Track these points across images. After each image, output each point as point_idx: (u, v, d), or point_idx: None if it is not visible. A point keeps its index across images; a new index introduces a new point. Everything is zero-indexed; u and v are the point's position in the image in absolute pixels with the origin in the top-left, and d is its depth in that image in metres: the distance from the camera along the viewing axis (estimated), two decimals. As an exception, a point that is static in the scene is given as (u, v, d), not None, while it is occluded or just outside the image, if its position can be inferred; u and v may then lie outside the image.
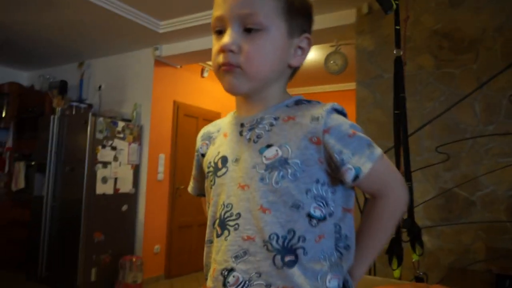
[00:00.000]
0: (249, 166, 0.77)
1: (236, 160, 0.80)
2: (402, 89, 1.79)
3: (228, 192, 0.79)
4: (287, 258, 0.71)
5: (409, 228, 1.79)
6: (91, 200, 4.00)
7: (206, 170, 0.87)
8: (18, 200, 4.83)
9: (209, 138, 0.92)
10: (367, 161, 0.73)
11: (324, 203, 0.74)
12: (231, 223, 0.77)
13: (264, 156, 0.76)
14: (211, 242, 0.82)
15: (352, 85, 3.41)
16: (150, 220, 4.52)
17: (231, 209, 0.77)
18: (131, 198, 4.42)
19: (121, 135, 4.30)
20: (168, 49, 4.51)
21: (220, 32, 0.79)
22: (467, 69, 2.81)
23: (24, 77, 5.92)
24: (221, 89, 0.85)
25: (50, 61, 5.33)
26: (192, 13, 3.81)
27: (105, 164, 4.12)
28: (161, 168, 4.66)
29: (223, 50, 0.77)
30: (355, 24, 3.34)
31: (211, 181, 0.84)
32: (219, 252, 0.77)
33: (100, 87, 4.96)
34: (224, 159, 0.82)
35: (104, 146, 4.11)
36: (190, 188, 1.02)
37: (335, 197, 0.76)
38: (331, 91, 6.32)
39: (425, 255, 2.74)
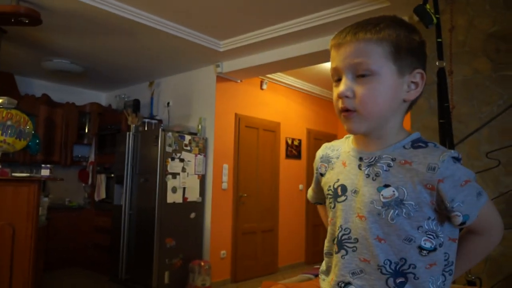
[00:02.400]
0: (368, 200, 0.87)
1: (355, 192, 0.90)
2: (445, 98, 1.85)
3: (346, 218, 0.91)
4: (398, 280, 0.84)
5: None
6: (163, 208, 4.36)
7: (325, 191, 0.99)
8: (101, 209, 5.34)
9: (328, 162, 1.01)
10: (475, 209, 0.84)
11: (435, 235, 0.85)
12: (349, 245, 0.89)
13: (382, 195, 0.85)
14: (331, 254, 0.95)
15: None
16: (216, 227, 4.79)
17: (349, 233, 0.90)
18: (198, 206, 4.73)
19: (188, 148, 4.64)
20: (228, 66, 4.80)
21: (338, 80, 0.89)
22: (527, 71, 2.74)
23: (103, 97, 6.55)
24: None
25: (124, 82, 5.88)
26: (248, 32, 4.06)
27: (174, 175, 4.47)
28: (225, 178, 4.93)
29: (340, 96, 0.87)
30: (408, 31, 3.37)
31: (331, 203, 0.96)
32: (336, 267, 0.92)
33: (168, 103, 5.37)
34: (344, 188, 0.93)
35: (173, 158, 4.47)
36: (309, 196, 1.16)
37: (443, 228, 0.87)
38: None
39: (487, 261, 2.70)
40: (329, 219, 0.97)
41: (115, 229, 4.76)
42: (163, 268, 4.33)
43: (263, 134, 5.45)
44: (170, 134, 4.46)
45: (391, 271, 0.84)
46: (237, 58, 4.67)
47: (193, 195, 4.67)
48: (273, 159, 5.60)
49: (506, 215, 2.67)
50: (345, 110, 0.87)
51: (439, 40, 1.88)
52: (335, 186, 0.95)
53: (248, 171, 5.20)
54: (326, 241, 0.98)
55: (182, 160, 4.56)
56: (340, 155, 0.99)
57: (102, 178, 5.36)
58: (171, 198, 4.44)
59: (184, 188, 4.57)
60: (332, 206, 0.95)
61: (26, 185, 2.84)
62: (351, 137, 0.99)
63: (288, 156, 5.85)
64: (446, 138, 1.86)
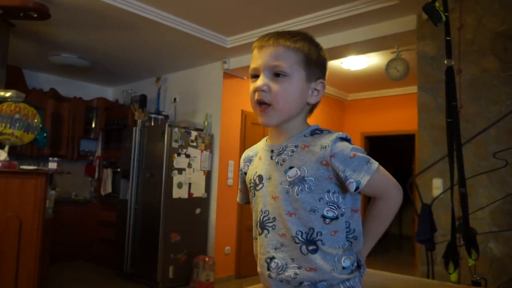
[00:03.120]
0: (277, 182, 1.03)
1: (269, 178, 1.06)
2: (453, 97, 1.84)
3: (264, 202, 1.06)
4: (310, 247, 0.98)
5: (464, 233, 1.83)
6: (168, 204, 4.38)
7: (248, 185, 1.14)
8: (106, 203, 5.37)
9: (249, 161, 1.18)
10: (365, 174, 0.97)
11: (336, 206, 1.00)
12: (269, 224, 1.04)
13: (288, 175, 1.01)
14: (256, 239, 1.09)
15: (414, 89, 3.41)
16: (221, 223, 4.81)
17: (268, 214, 1.05)
18: (203, 202, 4.75)
19: (194, 144, 4.65)
20: (235, 62, 4.80)
21: (255, 77, 1.05)
22: (536, 71, 2.71)
23: (110, 92, 6.58)
24: None
25: (131, 77, 5.90)
26: (255, 28, 4.06)
27: (180, 171, 4.49)
28: (230, 174, 4.94)
29: (257, 90, 1.02)
30: (416, 30, 3.35)
31: (252, 193, 1.11)
32: (262, 246, 1.05)
33: (175, 99, 5.39)
34: (260, 177, 1.08)
35: (179, 154, 4.48)
36: (238, 199, 1.28)
37: (345, 201, 1.02)
38: (394, 95, 6.24)
39: (492, 262, 2.69)
40: (252, 208, 1.12)
41: (120, 224, 4.80)
42: (168, 263, 4.36)
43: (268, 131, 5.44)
44: (176, 129, 4.47)
45: (303, 239, 0.98)
46: (244, 54, 4.67)
47: (198, 191, 4.68)
48: (279, 156, 5.59)
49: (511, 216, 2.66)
50: (261, 102, 1.02)
51: (448, 38, 1.86)
52: (254, 178, 1.10)
53: (253, 167, 5.20)
54: (253, 228, 1.11)
55: (188, 156, 4.58)
56: (257, 153, 1.16)
57: (108, 173, 5.39)
58: (177, 193, 4.45)
59: (189, 184, 4.59)
60: (253, 195, 1.10)
61: (33, 178, 2.86)
62: (266, 137, 1.15)
63: (293, 153, 5.84)
64: (454, 137, 1.85)
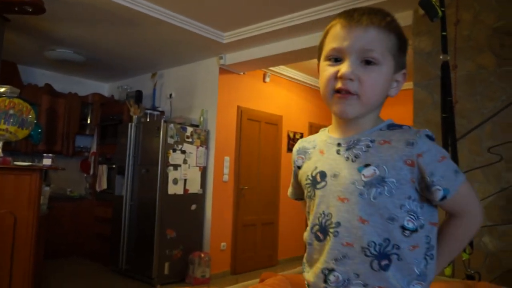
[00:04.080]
0: (349, 182, 0.87)
1: (335, 176, 0.90)
2: (449, 92, 1.84)
3: (327, 203, 0.90)
4: (383, 262, 0.83)
5: (458, 228, 1.83)
6: (164, 200, 4.37)
7: (303, 182, 0.99)
8: (102, 199, 5.35)
9: (305, 153, 1.02)
10: (454, 184, 0.85)
11: (416, 216, 0.85)
12: (331, 230, 0.88)
13: (363, 174, 0.86)
14: (311, 244, 0.94)
15: (409, 85, 3.41)
16: (217, 219, 4.81)
17: (330, 218, 0.89)
18: (199, 198, 4.74)
19: (190, 140, 4.64)
20: (231, 58, 4.78)
21: (336, 60, 0.89)
22: (531, 67, 2.72)
23: (105, 88, 6.55)
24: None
25: (127, 73, 5.87)
26: (252, 24, 4.04)
27: (176, 167, 4.48)
28: (226, 170, 4.94)
29: (342, 77, 0.87)
30: (412, 25, 3.35)
31: (309, 192, 0.95)
32: (322, 254, 0.90)
33: (170, 95, 5.37)
34: (323, 174, 0.92)
35: (174, 150, 4.47)
36: (289, 193, 1.15)
37: (423, 211, 0.87)
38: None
39: (486, 256, 2.71)
40: (308, 209, 0.97)
41: (116, 220, 4.78)
42: (163, 259, 4.35)
43: (265, 127, 5.44)
44: (172, 125, 4.46)
45: (375, 253, 0.83)
46: (240, 50, 4.65)
47: (194, 187, 4.67)
48: (275, 152, 5.60)
49: (507, 210, 2.68)
50: (344, 91, 0.87)
51: (444, 33, 1.86)
52: (313, 174, 0.95)
53: (249, 164, 5.21)
54: (306, 231, 0.97)
55: (183, 152, 4.56)
56: (316, 145, 1.00)
57: (103, 169, 5.37)
58: (172, 189, 4.44)
59: (185, 180, 4.58)
60: (312, 194, 0.95)
61: (27, 174, 2.84)
62: (327, 128, 1.01)
63: (289, 149, 5.85)
64: (449, 133, 1.85)
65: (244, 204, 5.13)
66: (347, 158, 0.90)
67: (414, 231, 0.84)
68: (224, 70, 4.95)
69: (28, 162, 3.07)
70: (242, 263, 5.04)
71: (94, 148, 5.66)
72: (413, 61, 3.29)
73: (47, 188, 3.51)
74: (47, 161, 3.16)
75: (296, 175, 1.06)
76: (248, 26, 4.11)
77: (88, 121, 5.93)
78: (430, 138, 0.87)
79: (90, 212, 5.49)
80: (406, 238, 0.84)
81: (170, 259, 4.42)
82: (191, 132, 4.66)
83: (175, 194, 4.47)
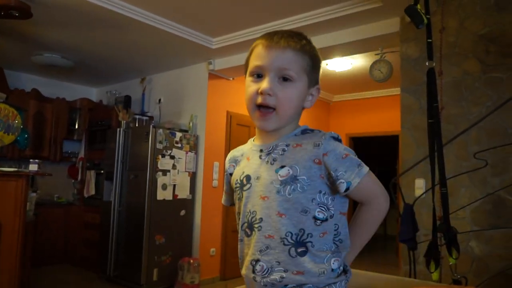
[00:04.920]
0: (268, 182, 1.00)
1: (258, 178, 1.03)
2: (435, 98, 1.87)
3: (252, 202, 1.03)
4: (299, 249, 0.96)
5: (444, 232, 1.85)
6: (153, 205, 4.34)
7: (234, 186, 1.11)
8: (90, 205, 5.30)
9: (235, 161, 1.15)
10: (356, 177, 0.97)
11: (326, 208, 0.98)
12: (256, 225, 1.01)
13: (279, 174, 0.98)
14: (242, 241, 1.06)
15: (397, 90, 3.45)
16: (206, 224, 4.79)
17: (255, 215, 1.01)
18: (188, 204, 4.72)
19: (179, 145, 4.62)
20: (220, 63, 4.79)
21: (258, 76, 1.01)
22: (515, 73, 2.77)
23: (93, 93, 6.50)
24: None
25: (116, 78, 5.84)
26: (241, 29, 4.05)
27: (165, 172, 4.45)
28: (215, 175, 4.92)
29: (262, 93, 0.99)
30: (400, 32, 3.39)
31: (239, 194, 1.08)
32: (250, 248, 1.02)
33: (159, 100, 5.35)
34: (248, 177, 1.05)
35: (163, 155, 4.45)
36: (223, 201, 1.26)
37: (334, 203, 1.00)
38: (378, 97, 6.32)
39: (473, 261, 2.74)
40: (238, 210, 1.08)
41: (104, 226, 4.74)
42: (152, 265, 4.32)
43: (254, 132, 5.40)
44: (161, 131, 4.44)
45: (292, 241, 0.96)
46: (230, 55, 4.66)
47: (183, 193, 4.65)
48: (264, 157, 5.59)
49: (493, 215, 2.71)
50: (264, 106, 0.99)
51: (429, 40, 1.89)
52: (241, 178, 1.07)
53: (239, 169, 5.20)
54: (238, 231, 1.08)
55: (172, 157, 4.55)
56: (244, 153, 1.13)
57: (91, 174, 5.32)
58: (161, 195, 4.42)
59: (174, 185, 4.55)
60: (240, 196, 1.07)
61: (13, 180, 2.81)
62: (253, 138, 1.13)
63: (279, 154, 5.86)
64: (435, 138, 1.87)
65: (234, 210, 5.10)
66: (267, 162, 1.02)
67: (324, 220, 0.97)
68: (213, 75, 4.95)
69: (14, 167, 3.03)
70: (231, 268, 5.02)
71: (82, 154, 5.61)
72: (400, 67, 3.33)
73: (33, 194, 3.47)
74: (33, 167, 3.13)
75: (228, 182, 1.18)
76: (237, 32, 4.12)
77: (76, 126, 5.88)
78: (335, 139, 1.00)
79: (78, 218, 5.43)
80: (317, 227, 0.97)
81: (159, 265, 4.38)
82: (180, 137, 4.64)
83: (164, 199, 4.45)
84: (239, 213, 1.09)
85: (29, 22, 3.68)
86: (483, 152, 2.63)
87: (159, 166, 4.39)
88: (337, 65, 4.97)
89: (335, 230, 1.00)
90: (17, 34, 4.14)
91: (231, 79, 5.17)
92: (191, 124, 4.90)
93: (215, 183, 4.91)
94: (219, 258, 4.95)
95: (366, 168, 0.99)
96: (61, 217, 5.45)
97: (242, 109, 5.30)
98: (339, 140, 1.01)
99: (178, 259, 4.48)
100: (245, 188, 1.05)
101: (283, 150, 1.01)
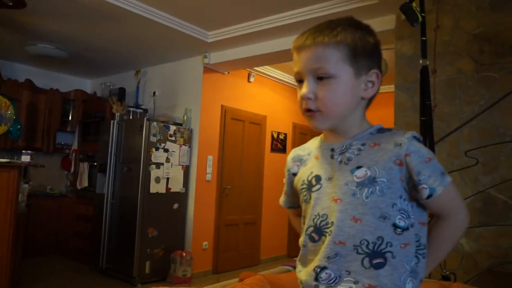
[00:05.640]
0: (342, 183, 0.91)
1: (329, 179, 0.94)
2: (428, 96, 1.88)
3: (322, 205, 0.94)
4: (376, 260, 0.86)
5: (435, 229, 1.87)
6: (146, 198, 4.34)
7: (299, 187, 1.02)
8: (83, 197, 5.29)
9: (300, 160, 1.06)
10: (440, 184, 0.88)
11: (407, 215, 0.89)
12: (326, 230, 0.91)
13: (355, 176, 0.90)
14: (306, 246, 0.97)
15: (392, 88, 3.46)
16: (199, 218, 4.80)
17: (326, 218, 0.92)
18: (181, 197, 4.72)
19: (173, 138, 4.61)
20: (216, 57, 4.77)
21: (300, 82, 0.95)
22: (508, 73, 2.79)
23: (87, 85, 6.46)
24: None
25: (110, 70, 5.80)
26: (237, 23, 4.04)
27: (158, 165, 4.45)
28: (209, 169, 4.93)
29: (303, 98, 0.93)
30: (395, 29, 3.40)
31: (305, 195, 0.99)
32: (316, 254, 0.93)
33: (154, 93, 5.33)
34: (318, 177, 0.97)
35: (157, 148, 4.44)
36: (281, 202, 1.18)
37: (413, 211, 0.91)
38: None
39: (463, 257, 2.77)
40: (304, 213, 0.99)
41: (96, 218, 4.73)
42: (145, 258, 4.32)
43: (249, 126, 5.45)
44: (155, 123, 4.43)
45: (367, 251, 0.86)
46: (225, 49, 4.65)
47: (176, 186, 4.65)
48: (258, 152, 5.62)
49: (483, 213, 2.74)
50: (308, 110, 0.93)
51: (424, 38, 1.90)
52: (309, 179, 0.98)
53: (232, 163, 5.21)
54: (301, 235, 1.00)
55: (166, 151, 4.54)
56: (311, 152, 1.04)
57: (85, 166, 5.30)
58: (154, 188, 4.42)
59: (167, 179, 4.55)
60: (308, 198, 0.98)
61: (5, 171, 2.80)
62: (321, 135, 1.04)
63: (273, 149, 5.87)
64: (427, 136, 1.89)
65: (227, 203, 5.13)
66: (340, 162, 0.94)
67: (406, 229, 0.88)
68: (208, 69, 4.93)
69: (6, 158, 3.01)
70: (224, 262, 5.04)
71: (75, 145, 5.58)
72: (395, 64, 3.34)
73: (26, 186, 3.46)
74: (26, 158, 3.11)
75: (291, 183, 1.08)
76: (233, 26, 4.11)
77: (70, 118, 5.84)
78: (417, 139, 0.91)
79: (70, 210, 5.41)
80: (398, 236, 0.87)
81: (152, 258, 4.39)
82: (174, 130, 4.63)
83: (157, 192, 4.45)
84: (304, 216, 0.99)
85: (23, 12, 3.65)
86: (474, 151, 2.66)
87: (152, 159, 4.38)
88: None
89: (416, 241, 0.90)
90: (11, 23, 4.10)
91: (226, 73, 5.16)
92: (185, 117, 4.89)
93: (208, 177, 4.92)
94: (211, 252, 4.96)
95: (449, 178, 0.90)
96: (54, 209, 5.43)
97: (236, 103, 5.30)
98: (422, 142, 0.93)
99: (171, 252, 4.49)
100: (314, 189, 0.96)
101: (359, 150, 0.93)
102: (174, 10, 3.78)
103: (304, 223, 0.99)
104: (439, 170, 0.89)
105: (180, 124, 4.81)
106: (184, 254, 4.44)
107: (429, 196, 0.88)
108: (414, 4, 1.90)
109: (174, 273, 4.40)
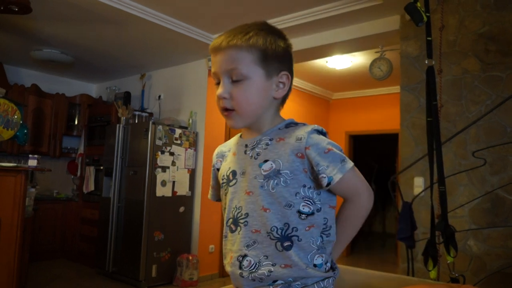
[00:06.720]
0: (252, 177, 1.00)
1: (243, 173, 1.03)
2: (434, 97, 1.87)
3: (237, 198, 1.02)
4: (285, 243, 0.95)
5: (442, 231, 1.86)
6: (152, 202, 4.34)
7: (220, 181, 1.11)
8: (89, 201, 5.30)
9: (222, 156, 1.15)
10: (338, 172, 0.95)
11: (311, 201, 0.97)
12: (242, 221, 1.00)
13: (262, 169, 0.98)
14: (226, 237, 1.05)
15: (397, 88, 3.45)
16: (205, 221, 4.79)
17: (241, 210, 1.00)
18: (187, 200, 4.72)
19: (178, 142, 4.62)
20: (220, 60, 4.77)
21: (218, 83, 1.02)
22: (515, 72, 2.77)
23: (93, 89, 6.49)
24: None
25: (115, 74, 5.83)
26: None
27: (164, 169, 4.46)
28: (215, 172, 4.91)
29: (219, 98, 1.00)
30: (400, 30, 3.39)
31: (225, 190, 1.07)
32: (235, 244, 1.01)
33: (159, 96, 5.35)
34: (234, 172, 1.05)
35: (163, 152, 4.45)
36: (209, 196, 1.25)
37: (320, 197, 0.99)
38: (378, 95, 6.31)
39: (471, 259, 2.75)
40: (224, 206, 1.07)
41: (103, 222, 4.74)
42: (151, 261, 4.33)
43: (254, 129, 5.44)
44: (160, 127, 4.44)
45: (278, 236, 0.95)
46: (230, 52, 4.65)
47: (182, 189, 4.66)
48: (264, 154, 5.59)
49: (491, 214, 2.72)
50: (225, 109, 1.01)
51: (429, 38, 1.89)
52: (227, 173, 1.07)
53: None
54: (224, 227, 1.06)
55: (172, 154, 4.55)
56: (231, 148, 1.13)
57: (91, 170, 5.32)
58: (160, 191, 4.42)
59: (173, 182, 4.56)
60: (226, 191, 1.07)
61: (12, 175, 2.81)
62: (240, 133, 1.13)
63: (278, 152, 5.85)
64: (434, 136, 1.87)
65: (233, 206, 5.11)
66: (251, 157, 1.02)
67: (311, 214, 0.97)
68: (213, 72, 4.93)
69: (13, 163, 3.03)
70: (230, 265, 5.02)
71: (81, 149, 5.60)
72: (400, 65, 3.33)
73: (32, 190, 3.47)
74: (32, 162, 3.13)
75: (216, 177, 1.17)
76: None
77: (76, 122, 5.87)
78: (319, 132, 0.99)
79: (77, 214, 5.43)
80: (303, 220, 0.96)
81: (158, 261, 4.39)
82: (180, 134, 4.64)
83: (163, 196, 4.45)
84: (225, 209, 1.08)
85: (29, 17, 3.68)
86: (481, 151, 2.64)
87: (158, 162, 4.39)
88: (337, 62, 4.97)
89: (324, 224, 0.99)
90: (16, 29, 4.13)
91: (231, 76, 5.15)
92: (190, 120, 4.90)
93: (214, 180, 4.90)
94: (218, 255, 4.95)
95: (350, 164, 0.97)
96: (60, 213, 5.46)
97: (241, 106, 5.28)
98: (324, 134, 1.00)
99: (177, 255, 4.49)
100: (231, 183, 1.05)
101: (267, 144, 1.01)
102: (178, 13, 3.79)
103: (224, 215, 1.07)
104: (339, 159, 0.96)
105: (186, 128, 4.81)
106: (190, 258, 4.44)
107: (328, 184, 0.94)
108: (418, 4, 1.89)
109: (181, 276, 4.39)
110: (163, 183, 4.44)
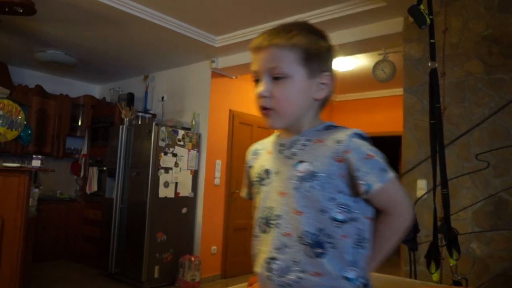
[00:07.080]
0: (286, 177, 0.97)
1: (277, 173, 1.00)
2: (437, 99, 1.87)
3: (270, 198, 0.99)
4: (317, 250, 0.90)
5: (445, 233, 1.85)
6: (155, 203, 4.35)
7: (253, 179, 1.08)
8: (92, 201, 5.31)
9: (257, 154, 1.12)
10: (378, 181, 0.90)
11: (347, 209, 0.92)
12: (273, 222, 0.97)
13: (298, 170, 0.95)
14: (257, 237, 1.02)
15: (401, 91, 3.44)
16: (208, 222, 4.80)
17: (272, 211, 0.97)
18: (190, 202, 4.73)
19: (181, 143, 4.63)
20: (223, 61, 4.79)
21: (257, 81, 1.00)
22: (519, 75, 2.76)
23: (96, 90, 6.51)
24: None
25: (119, 75, 5.85)
26: (244, 28, 4.06)
27: (167, 170, 4.46)
28: (217, 174, 4.93)
29: (259, 96, 0.98)
30: (403, 32, 3.39)
31: (257, 188, 1.05)
32: (266, 245, 0.98)
33: (162, 98, 5.36)
34: (268, 171, 1.02)
35: (166, 153, 4.46)
36: (243, 193, 1.21)
37: (358, 206, 0.93)
38: (381, 97, 6.31)
39: (474, 262, 2.74)
40: (256, 204, 1.05)
41: (106, 222, 4.75)
42: (153, 262, 4.33)
43: (257, 131, 5.44)
44: (163, 128, 4.45)
45: (310, 241, 0.91)
46: (233, 54, 4.66)
47: (185, 190, 4.66)
48: (266, 156, 5.59)
49: (494, 217, 2.71)
50: (264, 108, 0.98)
51: (432, 41, 1.89)
52: (261, 172, 1.05)
53: (241, 167, 5.17)
54: (254, 226, 1.04)
55: (175, 155, 4.55)
56: (266, 147, 1.10)
57: (94, 171, 5.34)
58: (163, 192, 4.43)
59: (176, 183, 4.56)
60: (258, 190, 1.04)
61: (16, 176, 2.82)
62: (278, 133, 1.09)
63: (281, 153, 5.85)
64: (437, 139, 1.87)
65: (235, 207, 5.12)
66: (287, 157, 0.99)
67: (344, 222, 0.91)
68: (216, 73, 4.95)
69: (17, 163, 3.04)
70: (232, 267, 5.03)
71: (84, 150, 5.62)
72: (403, 67, 3.33)
73: (36, 190, 3.48)
74: (36, 163, 3.14)
75: (249, 175, 1.14)
76: (240, 30, 4.13)
77: (79, 123, 5.89)
78: (360, 137, 0.94)
79: (80, 214, 5.45)
80: (337, 228, 0.91)
81: (160, 263, 4.40)
82: (183, 135, 4.65)
83: (166, 197, 4.46)
84: (256, 208, 1.04)
85: (33, 19, 3.70)
86: (485, 154, 2.63)
87: (161, 163, 4.40)
88: (340, 64, 4.97)
89: (358, 234, 0.93)
90: (21, 30, 4.16)
91: (234, 77, 5.17)
92: (193, 122, 4.91)
93: (217, 181, 4.92)
94: (220, 256, 4.96)
95: (391, 174, 0.92)
96: (63, 213, 5.47)
97: (244, 107, 5.30)
98: (366, 139, 0.95)
99: (179, 256, 4.49)
100: (264, 182, 1.02)
101: (303, 145, 0.98)
102: (182, 15, 3.81)
103: (255, 214, 1.04)
104: (379, 167, 0.91)
105: (189, 129, 4.82)
106: (192, 259, 4.44)
107: (366, 192, 0.90)
108: (422, 7, 1.89)
109: (183, 277, 4.40)
110: (166, 184, 4.45)
